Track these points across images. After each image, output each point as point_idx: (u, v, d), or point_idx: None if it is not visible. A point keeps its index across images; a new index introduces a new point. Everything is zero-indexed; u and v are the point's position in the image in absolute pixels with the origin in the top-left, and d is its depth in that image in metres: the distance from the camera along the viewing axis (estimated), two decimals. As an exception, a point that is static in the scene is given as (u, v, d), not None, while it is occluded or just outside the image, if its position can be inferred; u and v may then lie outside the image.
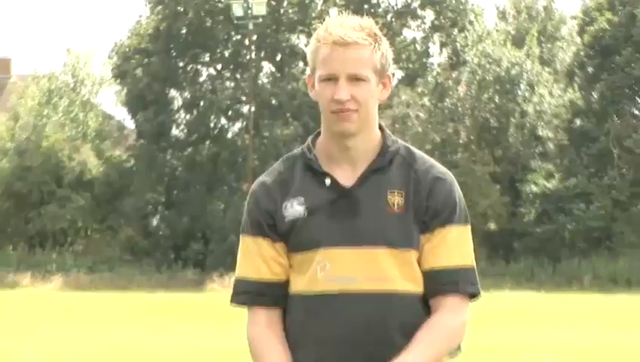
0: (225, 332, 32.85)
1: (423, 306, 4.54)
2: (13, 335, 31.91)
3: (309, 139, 4.77)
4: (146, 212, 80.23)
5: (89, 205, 79.87)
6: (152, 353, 26.26)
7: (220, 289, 71.73)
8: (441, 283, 4.50)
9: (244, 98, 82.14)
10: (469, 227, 4.66)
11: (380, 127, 4.72)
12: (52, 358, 24.75)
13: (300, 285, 4.56)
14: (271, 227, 4.61)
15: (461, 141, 76.70)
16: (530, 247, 72.81)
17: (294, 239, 4.57)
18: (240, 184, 79.20)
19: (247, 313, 4.71)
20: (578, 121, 79.89)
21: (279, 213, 4.60)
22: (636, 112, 78.11)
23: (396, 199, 4.53)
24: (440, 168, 4.69)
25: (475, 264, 4.65)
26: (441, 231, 4.52)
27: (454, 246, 4.54)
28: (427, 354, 4.37)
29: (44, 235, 79.50)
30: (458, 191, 4.66)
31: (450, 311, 4.48)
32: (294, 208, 4.56)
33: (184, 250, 78.91)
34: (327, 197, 4.56)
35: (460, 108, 79.64)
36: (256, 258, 4.62)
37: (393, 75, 4.63)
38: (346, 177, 4.58)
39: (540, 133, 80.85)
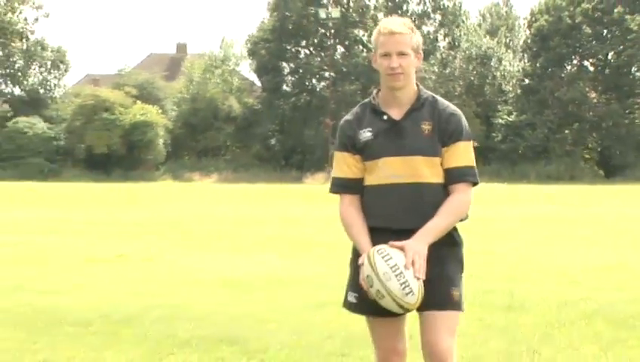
0: (316, 207, 32.81)
1: (444, 191, 4.86)
2: (192, 208, 32.08)
3: (374, 92, 5.04)
4: (267, 136, 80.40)
5: (233, 132, 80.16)
6: (270, 218, 26.32)
7: (312, 182, 71.65)
8: (455, 176, 4.86)
9: (326, 67, 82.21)
10: (471, 142, 4.98)
11: (416, 83, 4.98)
12: (211, 219, 24.93)
13: (370, 180, 4.92)
14: (352, 146, 4.95)
15: (456, 93, 76.41)
16: (498, 157, 72.94)
17: (366, 153, 4.91)
18: (324, 119, 79.21)
19: (338, 198, 5.06)
20: (527, 80, 79.70)
21: (357, 137, 4.93)
22: (562, 75, 77.44)
23: (426, 127, 4.86)
24: (453, 107, 4.99)
25: (475, 164, 4.97)
26: (454, 145, 4.87)
27: (462, 153, 4.88)
28: (447, 219, 4.76)
29: (206, 149, 79.85)
30: (464, 121, 4.95)
31: (460, 193, 4.85)
32: (366, 134, 4.91)
33: (290, 159, 79.45)
34: (385, 126, 4.90)
35: (456, 73, 79.41)
36: (343, 164, 5.00)
37: (422, 52, 4.81)
38: (396, 114, 4.91)
39: (504, 88, 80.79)
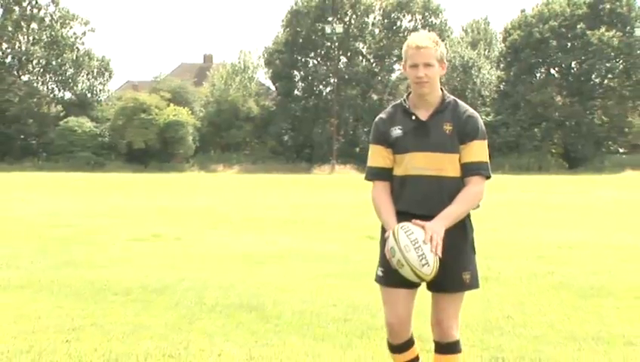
0: (322, 193, 32.78)
1: (460, 184, 4.85)
2: (217, 195, 32.11)
3: (405, 95, 5.09)
4: (281, 133, 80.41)
5: (252, 129, 79.83)
6: (283, 203, 26.32)
7: (319, 172, 71.60)
8: (470, 170, 4.86)
9: (331, 75, 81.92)
10: (486, 141, 4.96)
11: (441, 88, 5.01)
12: (234, 204, 24.96)
13: (398, 171, 4.94)
14: (384, 140, 4.97)
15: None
16: None
17: (396, 147, 4.93)
18: (329, 119, 79.21)
19: (372, 184, 5.06)
20: (502, 86, 79.77)
21: (388, 133, 4.96)
22: (532, 82, 77.51)
23: (448, 127, 4.88)
24: (471, 110, 5.00)
25: (488, 160, 4.97)
26: (471, 143, 4.87)
27: (477, 151, 4.87)
28: (462, 207, 4.78)
29: (229, 145, 79.66)
30: (481, 123, 4.96)
31: (474, 185, 4.85)
32: (396, 131, 4.94)
33: (300, 153, 79.32)
34: (413, 125, 4.92)
35: (442, 80, 78.59)
36: (378, 156, 5.01)
37: (446, 61, 4.89)
38: (423, 115, 4.94)
39: (483, 93, 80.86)
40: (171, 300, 8.93)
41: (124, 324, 7.68)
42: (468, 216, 4.95)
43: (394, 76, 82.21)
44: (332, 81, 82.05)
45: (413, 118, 4.92)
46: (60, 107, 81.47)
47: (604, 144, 77.41)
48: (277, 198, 30.70)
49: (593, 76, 77.51)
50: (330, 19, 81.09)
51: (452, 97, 5.01)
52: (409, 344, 5.06)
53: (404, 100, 5.04)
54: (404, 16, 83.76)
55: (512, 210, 24.02)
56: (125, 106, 74.68)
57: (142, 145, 73.28)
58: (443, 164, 4.82)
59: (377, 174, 5.00)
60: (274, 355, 6.53)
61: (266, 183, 45.76)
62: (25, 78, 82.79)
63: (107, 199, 29.52)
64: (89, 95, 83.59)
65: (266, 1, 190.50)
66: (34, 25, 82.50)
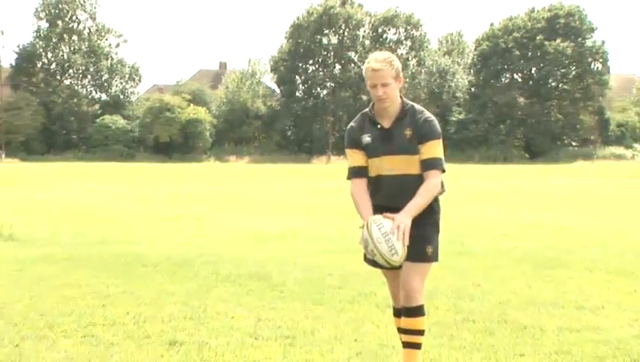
0: (320, 181, 32.75)
1: (422, 179, 4.74)
2: (230, 182, 32.11)
3: (370, 105, 4.97)
4: (285, 129, 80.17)
5: (260, 126, 79.93)
6: (287, 189, 26.32)
7: (317, 163, 71.54)
8: (427, 165, 4.76)
9: (327, 79, 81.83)
10: (440, 140, 4.82)
11: (400, 97, 4.88)
12: (245, 189, 24.97)
13: (371, 173, 4.88)
14: (357, 145, 4.91)
15: (422, 98, 76.35)
16: (452, 145, 71.26)
17: (367, 152, 4.87)
18: (326, 117, 79.20)
19: (350, 181, 4.96)
20: (473, 89, 79.80)
21: (360, 140, 4.89)
22: (498, 85, 77.59)
23: (408, 132, 4.76)
24: (427, 114, 4.88)
25: (442, 156, 4.84)
26: (427, 143, 4.75)
27: (432, 149, 4.75)
28: (424, 198, 4.69)
29: (241, 139, 79.73)
30: (435, 124, 4.84)
31: (432, 178, 4.75)
32: (365, 138, 4.86)
33: (301, 146, 79.17)
34: (379, 133, 4.84)
35: (422, 84, 79.40)
36: (354, 157, 4.93)
37: (403, 75, 4.80)
38: (386, 123, 4.84)
39: (456, 95, 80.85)
40: (191, 271, 8.93)
41: (151, 291, 7.68)
42: (436, 199, 4.90)
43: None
44: (328, 84, 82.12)
45: (379, 126, 4.85)
46: (96, 107, 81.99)
47: (559, 138, 77.78)
48: (281, 185, 30.68)
49: (550, 80, 77.81)
50: (326, 32, 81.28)
51: (410, 103, 4.92)
52: None
53: (370, 110, 4.95)
54: (389, 29, 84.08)
55: (481, 195, 24.04)
56: (152, 106, 75.11)
57: (166, 139, 73.61)
58: (407, 165, 4.77)
59: (356, 173, 4.93)
60: (279, 317, 6.53)
61: (272, 172, 45.75)
62: (67, 82, 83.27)
63: (137, 185, 29.52)
64: (122, 96, 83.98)
65: (273, 17, 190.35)
66: (74, 37, 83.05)
